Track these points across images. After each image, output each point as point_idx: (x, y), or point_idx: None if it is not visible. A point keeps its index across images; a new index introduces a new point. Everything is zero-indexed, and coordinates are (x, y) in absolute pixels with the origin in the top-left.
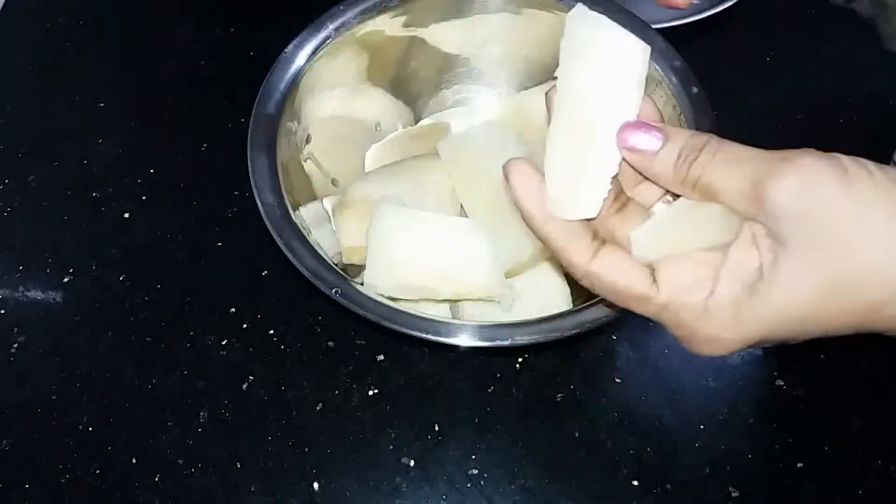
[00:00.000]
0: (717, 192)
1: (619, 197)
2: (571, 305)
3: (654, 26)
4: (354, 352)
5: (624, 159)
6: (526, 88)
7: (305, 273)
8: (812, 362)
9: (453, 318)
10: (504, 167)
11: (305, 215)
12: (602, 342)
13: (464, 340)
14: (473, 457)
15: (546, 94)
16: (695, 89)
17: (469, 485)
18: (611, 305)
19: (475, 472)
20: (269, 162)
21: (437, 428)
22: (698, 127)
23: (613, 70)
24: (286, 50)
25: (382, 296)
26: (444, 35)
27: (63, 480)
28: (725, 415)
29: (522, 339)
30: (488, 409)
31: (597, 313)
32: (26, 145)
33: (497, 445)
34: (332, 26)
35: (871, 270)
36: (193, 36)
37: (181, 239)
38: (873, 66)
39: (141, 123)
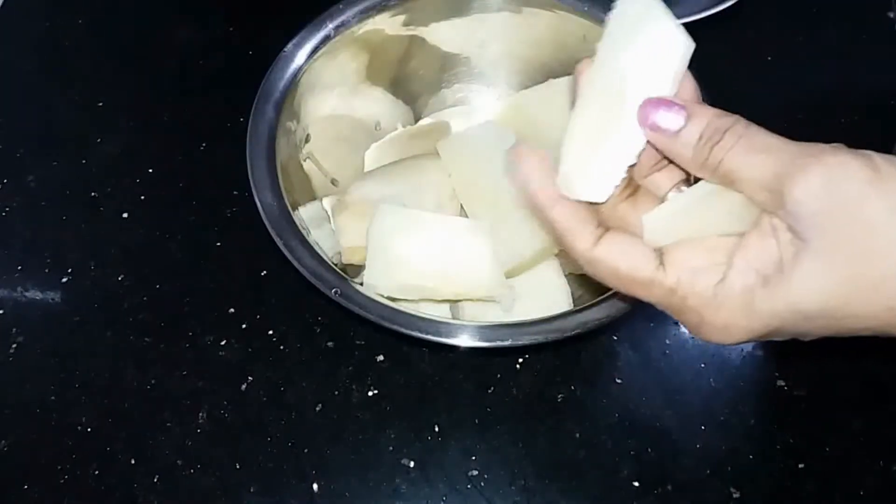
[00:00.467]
0: (738, 179)
1: (630, 184)
2: (572, 306)
3: None
4: (354, 352)
5: (647, 141)
6: (526, 88)
7: (305, 273)
8: (813, 363)
9: (453, 318)
10: (510, 150)
11: (305, 215)
12: (602, 343)
13: (464, 341)
14: (473, 457)
15: (577, 66)
16: None
17: (469, 485)
18: (623, 298)
19: (475, 472)
20: (269, 162)
21: (436, 428)
22: None
23: (654, 60)
24: (285, 49)
25: (382, 296)
26: (443, 34)
27: (62, 481)
28: (726, 415)
29: (523, 339)
30: (488, 409)
31: (597, 314)
32: (25, 145)
33: (497, 446)
34: (331, 25)
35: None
36: (192, 35)
37: (180, 239)
38: (874, 65)
39: (140, 123)
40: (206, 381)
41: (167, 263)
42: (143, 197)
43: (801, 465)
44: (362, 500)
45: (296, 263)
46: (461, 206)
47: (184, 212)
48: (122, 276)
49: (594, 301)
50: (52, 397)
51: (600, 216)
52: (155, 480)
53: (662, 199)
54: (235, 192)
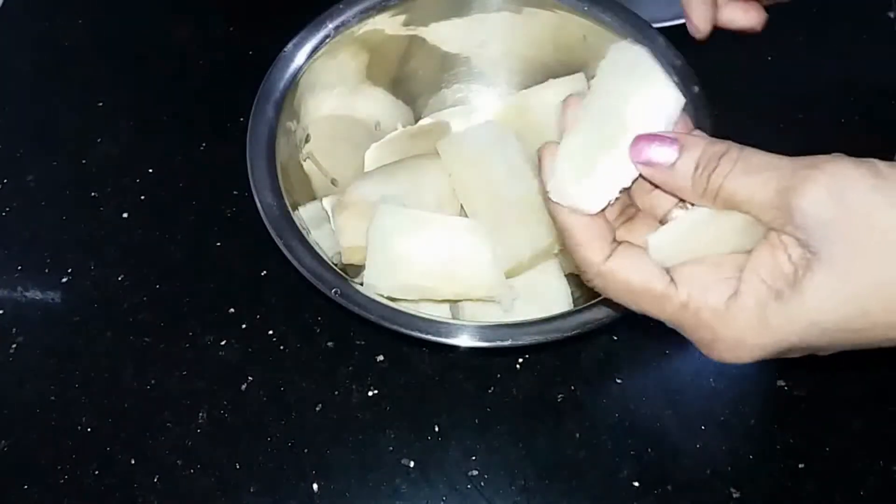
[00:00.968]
0: (741, 202)
1: (627, 210)
2: (572, 306)
3: (654, 25)
4: (354, 352)
5: (640, 175)
6: (526, 88)
7: (304, 273)
8: (813, 363)
9: (453, 318)
10: (540, 149)
11: (305, 215)
12: (603, 343)
13: (464, 341)
14: (473, 458)
15: (565, 100)
16: (696, 88)
17: (469, 486)
18: (617, 307)
19: (475, 472)
20: (269, 162)
21: (437, 428)
22: (699, 126)
23: (649, 112)
24: (285, 49)
25: (382, 296)
26: (443, 34)
27: (62, 481)
28: (726, 415)
29: (523, 339)
30: (488, 409)
31: (597, 314)
32: (25, 145)
33: (497, 446)
34: (331, 25)
35: None
36: (192, 35)
37: (180, 239)
38: (874, 65)
39: (140, 123)
40: (206, 382)
41: (167, 263)
42: (143, 197)
43: (801, 465)
44: (362, 500)
45: (296, 263)
46: (461, 206)
47: (184, 212)
48: (121, 276)
49: (594, 301)
50: (52, 397)
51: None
52: (155, 480)
53: (662, 221)
54: (235, 192)
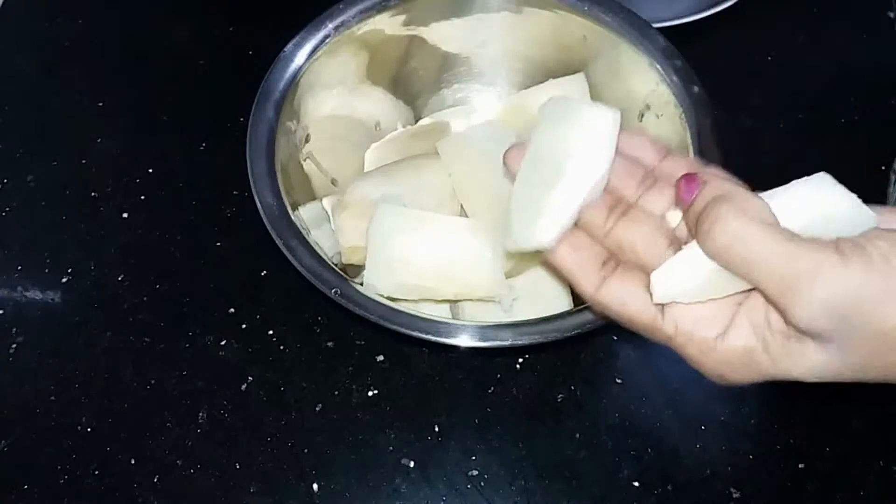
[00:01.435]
0: (741, 275)
1: (618, 206)
2: (572, 306)
3: (654, 25)
4: (354, 352)
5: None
6: (526, 88)
7: (304, 273)
8: None
9: (453, 318)
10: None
11: (304, 215)
12: (603, 343)
13: (464, 341)
14: (473, 458)
15: (505, 155)
16: (696, 88)
17: (469, 486)
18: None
19: (475, 473)
20: (268, 161)
21: (437, 429)
22: (700, 126)
23: (587, 130)
24: (285, 49)
25: (382, 296)
26: (443, 34)
27: (62, 481)
28: (726, 415)
29: (523, 339)
30: (488, 409)
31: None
32: (25, 145)
33: (497, 446)
34: (331, 25)
35: None
36: (192, 35)
37: (180, 239)
38: (874, 65)
39: (139, 123)
40: (206, 382)
41: (167, 263)
42: (142, 197)
43: (801, 465)
44: (362, 500)
45: (296, 263)
46: (461, 206)
47: (184, 212)
48: (121, 276)
49: None
50: (52, 397)
51: (599, 242)
52: (155, 480)
53: (658, 216)
54: (235, 192)
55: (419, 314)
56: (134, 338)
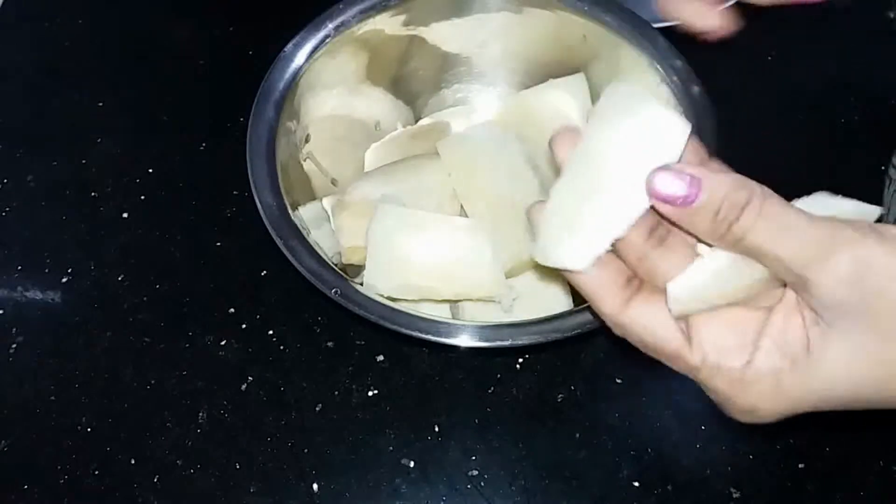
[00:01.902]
0: (763, 255)
1: (657, 231)
2: (572, 306)
3: (654, 26)
4: (354, 352)
5: (653, 208)
6: (526, 88)
7: (304, 273)
8: None
9: (453, 318)
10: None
11: (304, 215)
12: (603, 343)
13: (464, 341)
14: (473, 458)
15: (553, 138)
16: (696, 89)
17: (469, 486)
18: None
19: (475, 473)
20: (269, 162)
21: (437, 429)
22: (701, 127)
23: (653, 140)
24: (285, 49)
25: (382, 296)
26: (444, 34)
27: (62, 481)
28: (726, 415)
29: (523, 339)
30: (488, 409)
31: None
32: (24, 145)
33: (497, 446)
34: (331, 25)
35: None
36: (192, 35)
37: (180, 239)
38: (875, 66)
39: (139, 123)
40: (206, 382)
41: (167, 263)
42: (142, 197)
43: (801, 465)
44: (362, 500)
45: (296, 263)
46: (461, 206)
47: (184, 212)
48: (121, 276)
49: None
50: (52, 397)
51: (628, 265)
52: (155, 480)
53: (694, 245)
54: (235, 192)
55: (419, 314)
56: (134, 338)
